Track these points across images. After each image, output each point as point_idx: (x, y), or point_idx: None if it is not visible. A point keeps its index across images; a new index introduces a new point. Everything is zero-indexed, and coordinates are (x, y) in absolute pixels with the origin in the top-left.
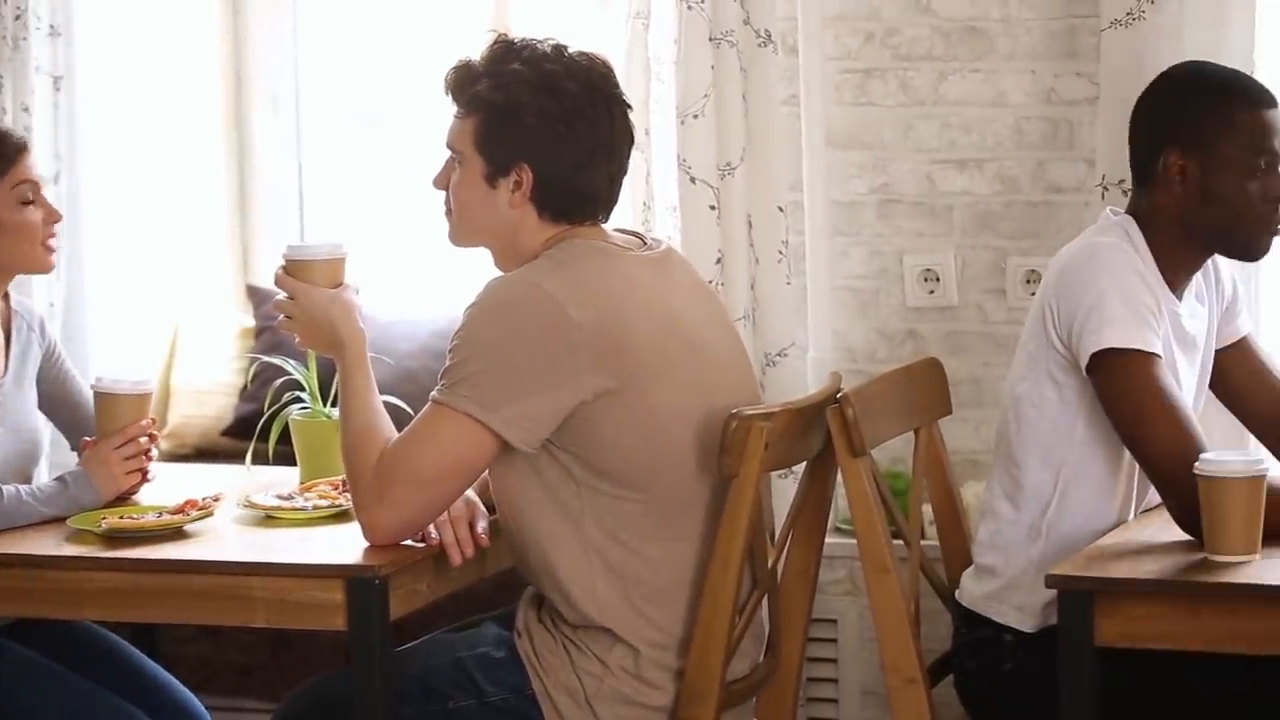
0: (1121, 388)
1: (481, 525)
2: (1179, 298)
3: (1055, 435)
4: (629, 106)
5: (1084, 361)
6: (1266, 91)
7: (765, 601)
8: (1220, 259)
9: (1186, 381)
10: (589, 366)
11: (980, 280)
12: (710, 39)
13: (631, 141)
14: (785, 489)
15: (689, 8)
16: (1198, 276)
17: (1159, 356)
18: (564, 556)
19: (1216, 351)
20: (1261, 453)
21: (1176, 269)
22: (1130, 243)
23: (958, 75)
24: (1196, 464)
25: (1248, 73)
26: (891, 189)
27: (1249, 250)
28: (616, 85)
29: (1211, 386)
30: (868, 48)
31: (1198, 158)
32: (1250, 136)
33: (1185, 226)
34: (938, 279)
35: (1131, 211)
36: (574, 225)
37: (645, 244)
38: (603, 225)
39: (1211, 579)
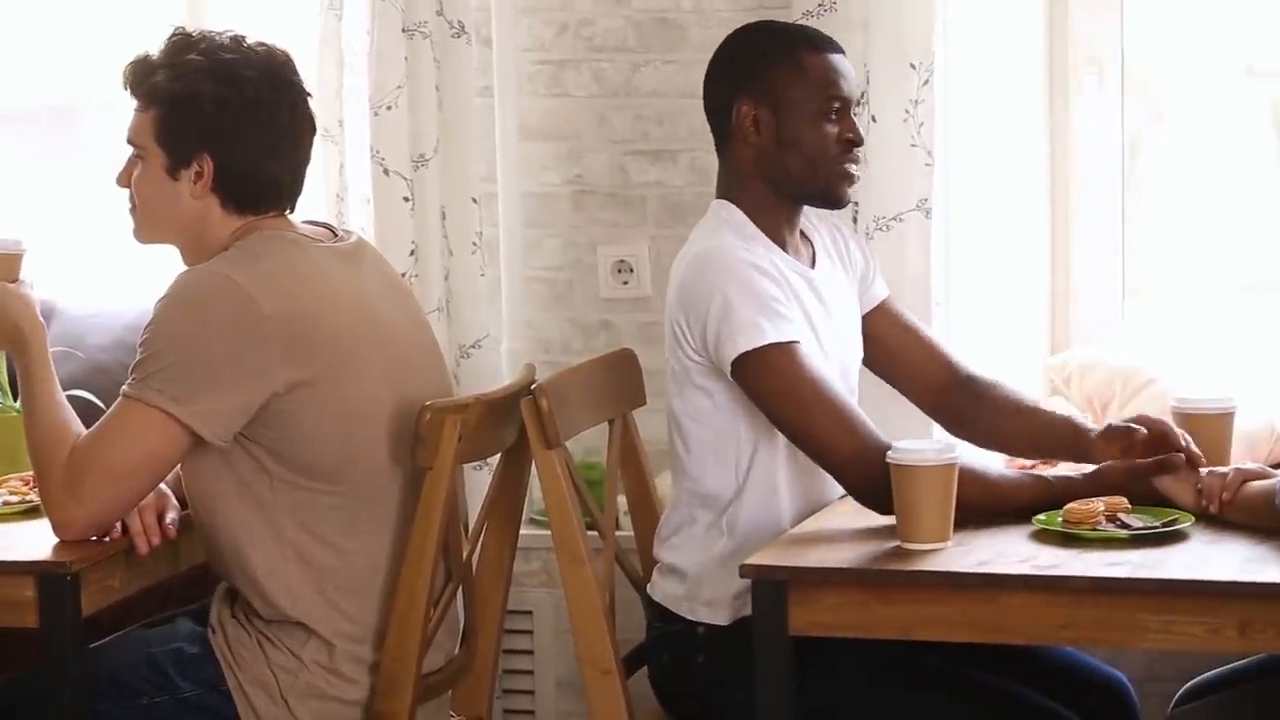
0: (768, 384)
1: (170, 517)
2: (804, 261)
3: (722, 440)
4: (309, 95)
5: (727, 370)
6: (831, 39)
7: (460, 593)
8: (844, 229)
9: (842, 346)
10: (280, 359)
11: None
12: (403, 30)
13: (314, 130)
14: (479, 480)
15: None
16: (826, 240)
17: (798, 343)
18: (257, 550)
19: (864, 317)
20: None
21: (778, 227)
22: (734, 230)
23: (651, 67)
24: (889, 453)
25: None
26: (585, 180)
27: (830, 195)
28: (296, 73)
29: (869, 363)
30: (561, 39)
31: (770, 104)
32: (820, 80)
33: (768, 179)
34: (631, 270)
35: (722, 193)
36: (259, 216)
37: (336, 235)
38: (289, 216)
39: (904, 567)
